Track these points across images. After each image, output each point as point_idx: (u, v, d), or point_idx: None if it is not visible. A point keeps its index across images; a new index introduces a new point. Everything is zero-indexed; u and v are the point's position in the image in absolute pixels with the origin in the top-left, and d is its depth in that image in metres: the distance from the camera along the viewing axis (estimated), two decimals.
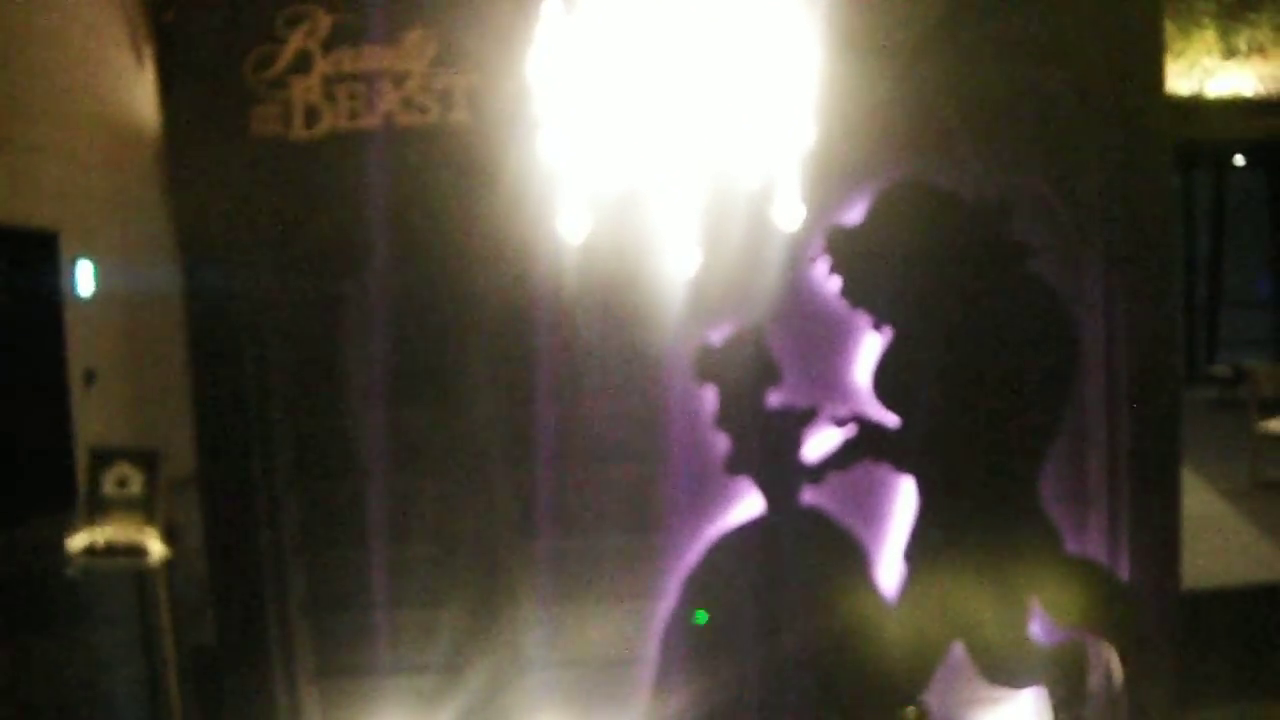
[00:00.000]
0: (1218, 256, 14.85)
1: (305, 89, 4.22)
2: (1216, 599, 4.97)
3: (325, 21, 4.23)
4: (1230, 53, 11.36)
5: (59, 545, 4.54)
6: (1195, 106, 11.39)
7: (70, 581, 4.58)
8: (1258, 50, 11.39)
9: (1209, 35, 11.23)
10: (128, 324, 12.33)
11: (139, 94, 12.79)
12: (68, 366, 11.34)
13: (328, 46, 4.21)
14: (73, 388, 11.37)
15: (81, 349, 11.49)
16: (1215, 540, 5.87)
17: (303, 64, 4.22)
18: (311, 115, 4.22)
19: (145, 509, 4.54)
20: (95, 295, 11.73)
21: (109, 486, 4.56)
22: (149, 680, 4.67)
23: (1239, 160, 14.77)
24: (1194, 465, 7.42)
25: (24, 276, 10.94)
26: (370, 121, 4.22)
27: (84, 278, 11.60)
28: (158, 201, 13.15)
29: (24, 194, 10.59)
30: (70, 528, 4.55)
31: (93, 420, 11.58)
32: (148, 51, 12.72)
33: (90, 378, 11.53)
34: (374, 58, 4.22)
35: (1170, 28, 11.00)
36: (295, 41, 4.22)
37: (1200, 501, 6.82)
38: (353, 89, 4.22)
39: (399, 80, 4.21)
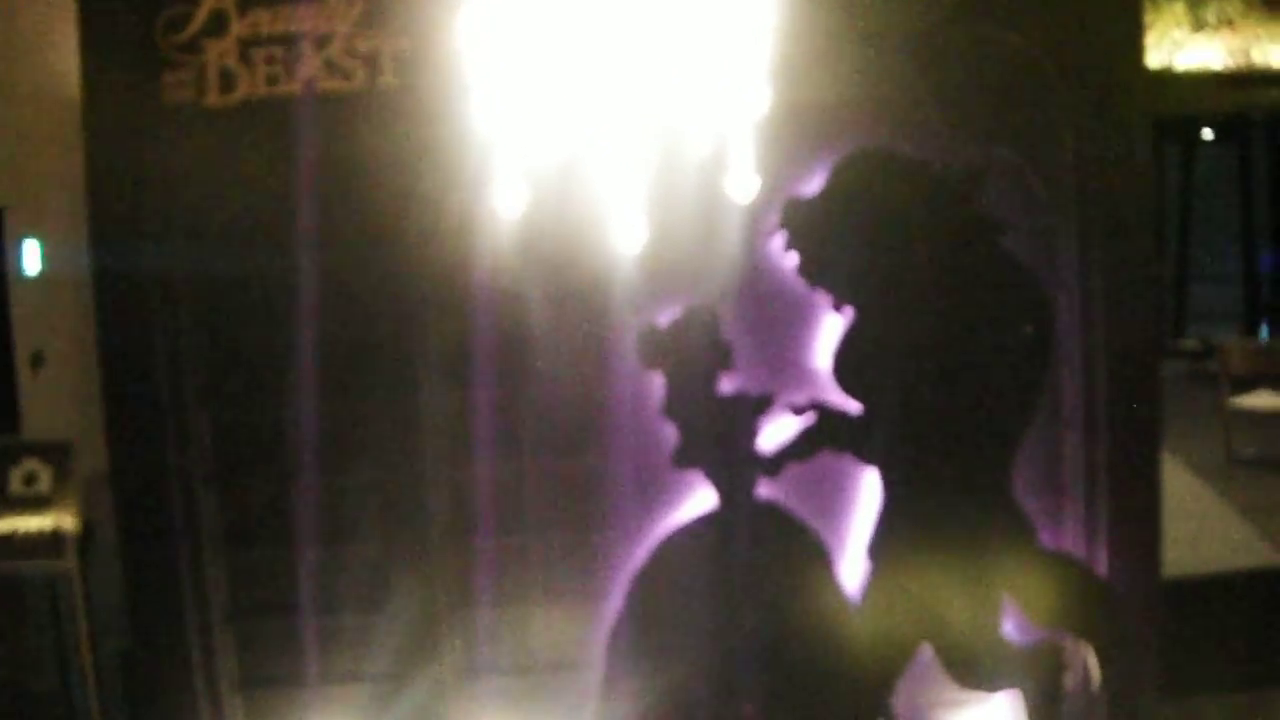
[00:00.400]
0: (1186, 231, 14.89)
1: (220, 53, 3.95)
2: (1198, 587, 4.82)
3: None
4: (1199, 26, 11.23)
5: None
6: (1164, 80, 11.29)
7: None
8: (1226, 23, 11.25)
9: (1178, 8, 11.15)
10: (76, 305, 11.99)
11: None
12: (13, 349, 11.01)
13: (244, 7, 3.94)
14: (19, 370, 11.05)
15: (28, 330, 11.16)
16: (1194, 524, 5.71)
17: (217, 26, 3.95)
18: (227, 81, 3.95)
19: (56, 507, 4.27)
20: (42, 274, 11.38)
21: (15, 484, 4.29)
22: (64, 688, 4.38)
23: (1207, 134, 14.72)
24: (1172, 444, 7.29)
25: None
26: (290, 87, 3.95)
27: (30, 256, 11.26)
28: None
29: None
30: None
31: (41, 404, 11.25)
32: None
33: (38, 360, 11.19)
34: (294, 19, 3.94)
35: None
36: (209, 2, 3.94)
37: (1177, 481, 6.66)
38: (271, 52, 3.95)
39: (321, 43, 3.94)
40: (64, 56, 12.59)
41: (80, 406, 12.09)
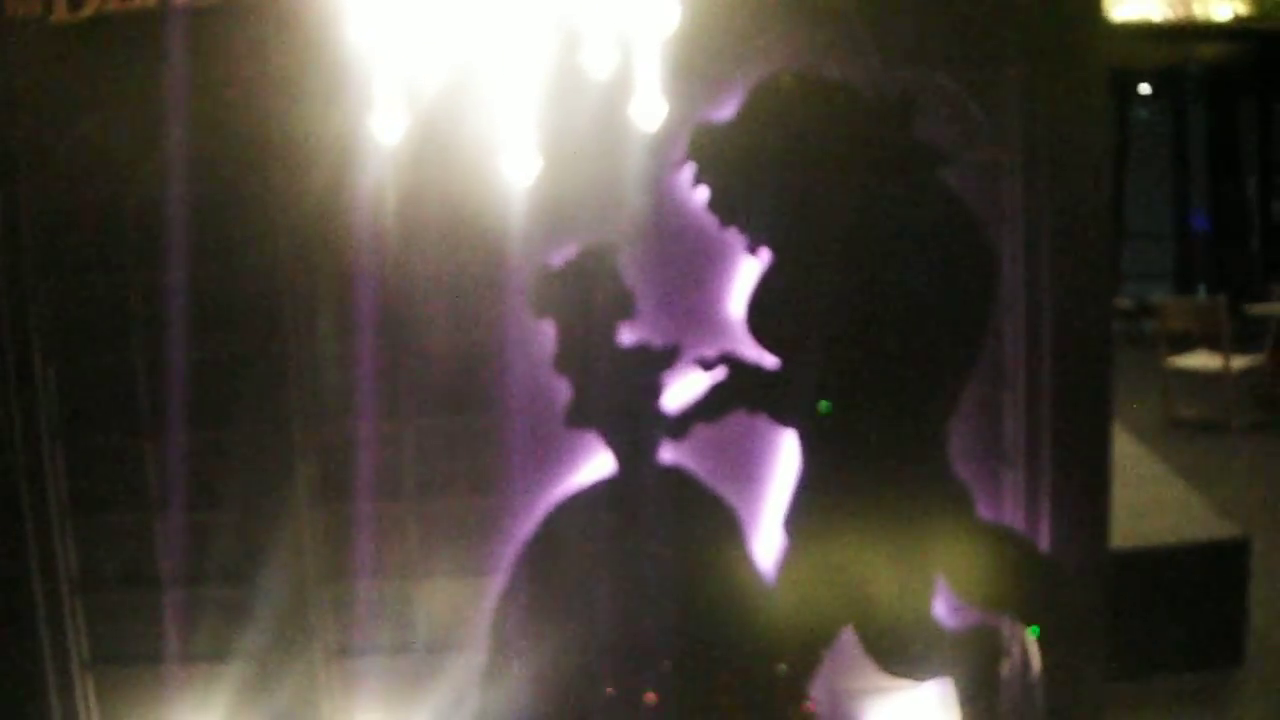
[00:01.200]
0: (1120, 187, 15.03)
1: None
2: (1146, 560, 4.60)
3: None
4: None
5: None
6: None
7: None
8: None
9: None
10: None
11: None
12: None
13: None
14: None
15: None
16: (1138, 492, 5.46)
17: None
18: None
19: None
20: None
21: None
22: None
23: (1144, 89, 14.93)
24: None
25: None
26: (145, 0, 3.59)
27: None
28: None
29: None
30: None
31: None
32: None
33: None
34: None
35: None
36: None
37: (1117, 446, 6.47)
38: None
39: None
40: None
41: None
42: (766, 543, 3.64)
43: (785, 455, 3.63)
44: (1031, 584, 3.65)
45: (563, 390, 3.55)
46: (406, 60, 3.25)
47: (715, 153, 3.49)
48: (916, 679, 3.67)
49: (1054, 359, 3.64)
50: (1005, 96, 3.61)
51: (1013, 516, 3.72)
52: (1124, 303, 12.71)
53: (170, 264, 3.64)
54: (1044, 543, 3.70)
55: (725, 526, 3.60)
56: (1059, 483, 3.69)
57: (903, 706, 3.74)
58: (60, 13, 3.58)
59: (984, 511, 3.67)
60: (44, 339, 3.68)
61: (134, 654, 3.77)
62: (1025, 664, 3.68)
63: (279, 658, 3.69)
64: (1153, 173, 15.46)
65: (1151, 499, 5.37)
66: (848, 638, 3.63)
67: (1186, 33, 11.58)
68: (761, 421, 3.61)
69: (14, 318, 3.66)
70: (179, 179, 3.61)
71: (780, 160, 3.48)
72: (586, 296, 3.51)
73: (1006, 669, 3.69)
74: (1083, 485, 3.71)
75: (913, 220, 3.53)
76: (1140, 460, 6.18)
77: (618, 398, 3.54)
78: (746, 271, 3.58)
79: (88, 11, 3.57)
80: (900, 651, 3.62)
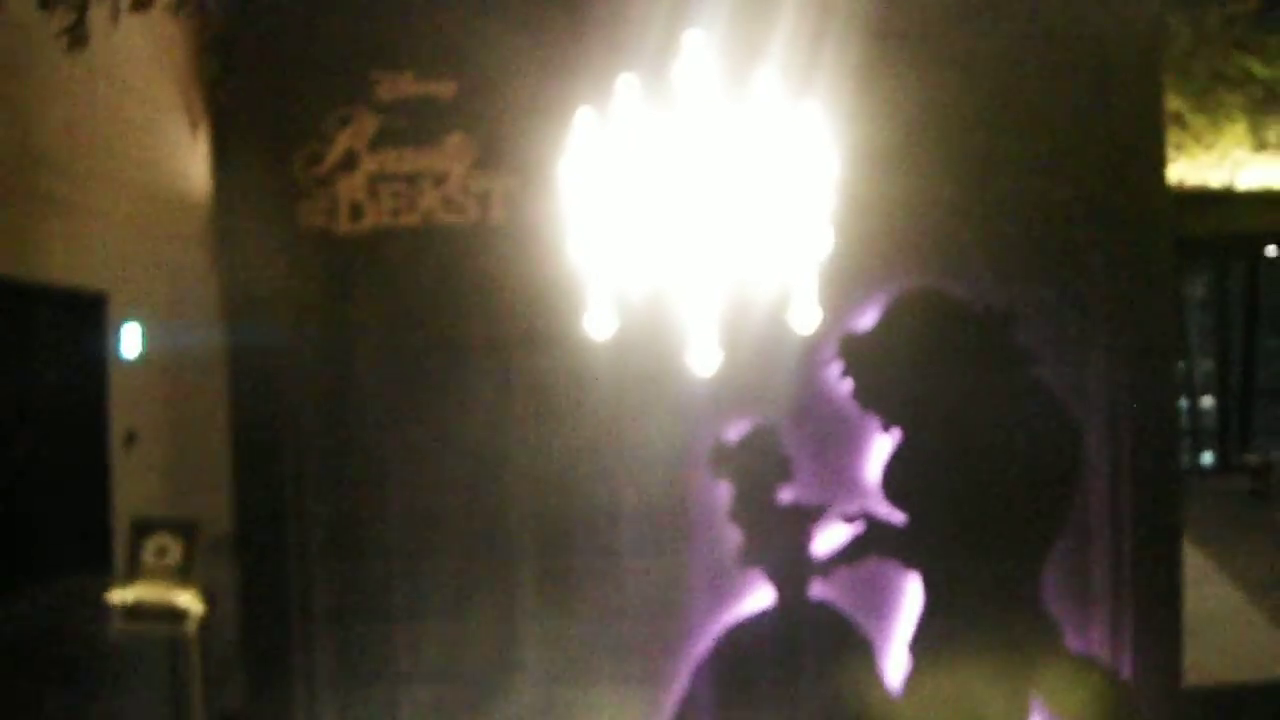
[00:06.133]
0: (1252, 346, 14.91)
1: (351, 186, 4.50)
2: (1231, 694, 5.05)
3: (371, 123, 4.51)
4: (1261, 145, 11.47)
5: (96, 604, 4.70)
6: (1227, 198, 11.52)
7: (107, 641, 4.74)
8: None
9: (1239, 128, 11.35)
10: (169, 386, 12.60)
11: (189, 163, 13.20)
12: (109, 427, 11.64)
13: (373, 147, 4.49)
14: (113, 448, 11.66)
15: (124, 410, 11.79)
16: (1228, 635, 5.92)
17: (349, 162, 4.50)
18: (356, 211, 4.49)
19: (182, 577, 4.74)
20: (140, 357, 12.05)
21: (148, 555, 4.77)
22: None
23: (1271, 251, 14.70)
24: (1220, 557, 7.42)
25: (72, 337, 11.28)
26: (411, 219, 4.48)
27: (130, 340, 11.92)
28: (203, 266, 13.53)
29: (76, 256, 10.93)
30: (107, 589, 4.73)
31: (131, 480, 11.84)
32: (201, 124, 13.17)
33: (131, 438, 11.81)
34: (416, 159, 4.49)
35: (1201, 120, 11.22)
36: (343, 141, 4.50)
37: (1217, 595, 6.85)
38: (395, 187, 4.48)
39: (439, 180, 4.47)
40: (165, 151, 13.51)
41: (165, 479, 12.71)
42: (896, 663, 4.34)
43: (911, 593, 4.34)
44: (1113, 704, 4.28)
45: (735, 537, 4.33)
46: (616, 272, 3.83)
47: (858, 354, 4.30)
48: None
49: (1132, 519, 4.30)
50: (1092, 301, 4.34)
51: (1099, 647, 4.34)
52: (1254, 459, 12.48)
53: (415, 408, 4.50)
54: (1125, 670, 4.31)
55: (862, 650, 4.31)
56: (1138, 621, 4.31)
57: None
58: (343, 225, 4.49)
59: (1074, 642, 4.31)
60: (315, 476, 4.54)
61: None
62: None
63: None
64: None
65: (1241, 643, 5.78)
66: None
67: None
68: (892, 565, 4.33)
69: (296, 472, 4.53)
70: (430, 355, 4.48)
71: (909, 360, 4.28)
72: (754, 464, 4.30)
73: None
74: (1158, 624, 4.32)
75: (1012, 407, 4.30)
76: (1238, 610, 6.55)
77: (778, 544, 4.31)
78: (881, 446, 4.34)
79: (365, 225, 4.47)
80: None
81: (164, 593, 4.67)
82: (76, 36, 7.74)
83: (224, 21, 10.14)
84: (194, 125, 12.97)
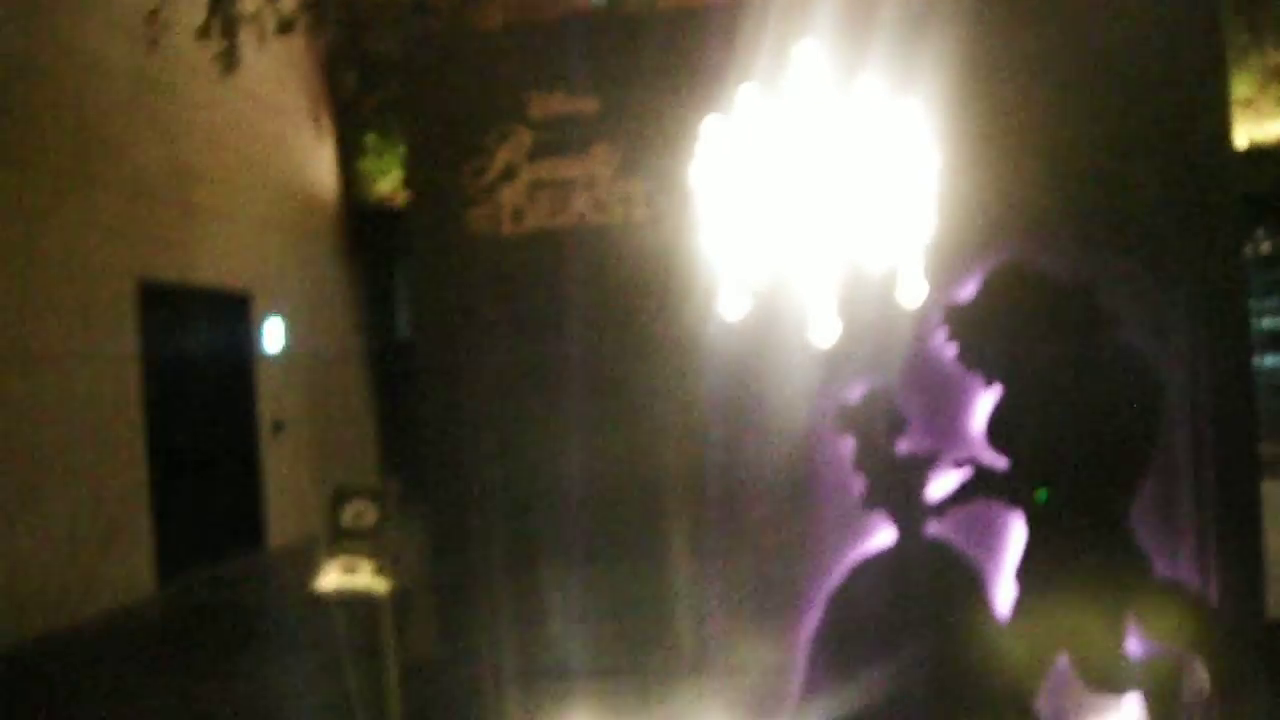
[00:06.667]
0: None
1: (512, 193, 5.15)
2: None
3: (527, 137, 5.17)
4: None
5: (253, 579, 5.27)
6: None
7: (265, 612, 5.26)
8: None
9: None
10: (309, 378, 13.58)
11: (319, 166, 14.14)
12: (258, 417, 12.61)
13: (531, 158, 5.13)
14: (262, 436, 12.63)
15: (270, 401, 12.75)
16: None
17: (510, 173, 5.14)
18: (517, 215, 5.14)
19: (376, 538, 5.43)
20: (282, 351, 13.00)
21: (348, 519, 5.46)
22: (371, 697, 5.38)
23: None
24: None
25: (222, 334, 12.26)
26: (566, 220, 5.12)
27: (272, 335, 12.88)
28: (335, 263, 14.47)
29: (223, 259, 11.90)
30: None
31: (279, 465, 12.82)
32: (327, 129, 14.06)
33: (278, 427, 12.76)
34: (568, 167, 5.12)
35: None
36: (504, 155, 5.15)
37: None
38: (551, 193, 5.12)
39: (589, 185, 5.09)
40: (297, 156, 14.52)
41: (308, 463, 13.65)
42: (1003, 592, 4.86)
43: (1015, 530, 4.85)
44: (1201, 627, 4.75)
45: (858, 485, 4.90)
46: (746, 260, 4.23)
47: (960, 322, 4.83)
48: (1115, 695, 4.77)
49: (1214, 459, 4.77)
50: (1170, 270, 4.80)
51: (1187, 576, 4.81)
52: None
53: (579, 390, 5.11)
54: (1212, 598, 4.77)
55: (974, 580, 4.85)
56: (1221, 553, 4.77)
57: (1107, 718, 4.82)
58: (507, 228, 5.15)
59: (1163, 571, 4.79)
60: (494, 444, 5.25)
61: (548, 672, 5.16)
62: (1202, 691, 4.67)
63: (652, 675, 5.09)
64: None
65: None
66: (1063, 665, 4.77)
67: None
68: (998, 506, 4.85)
69: (474, 437, 5.22)
70: (587, 343, 5.10)
71: (1006, 326, 4.80)
72: (873, 420, 4.86)
73: (1188, 693, 4.70)
74: (1241, 555, 4.78)
75: (1099, 365, 4.81)
76: None
77: (897, 490, 4.86)
78: (985, 401, 4.86)
79: (527, 228, 5.12)
80: (1101, 674, 4.74)
81: (359, 578, 5.26)
82: (229, 61, 8.55)
83: (362, 38, 10.95)
84: (319, 133, 13.88)
